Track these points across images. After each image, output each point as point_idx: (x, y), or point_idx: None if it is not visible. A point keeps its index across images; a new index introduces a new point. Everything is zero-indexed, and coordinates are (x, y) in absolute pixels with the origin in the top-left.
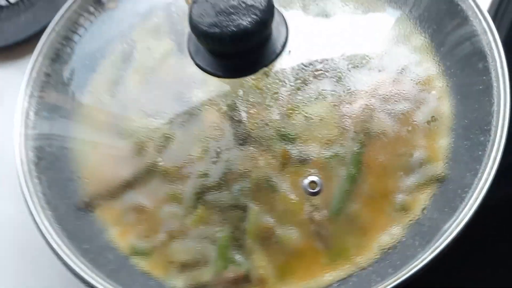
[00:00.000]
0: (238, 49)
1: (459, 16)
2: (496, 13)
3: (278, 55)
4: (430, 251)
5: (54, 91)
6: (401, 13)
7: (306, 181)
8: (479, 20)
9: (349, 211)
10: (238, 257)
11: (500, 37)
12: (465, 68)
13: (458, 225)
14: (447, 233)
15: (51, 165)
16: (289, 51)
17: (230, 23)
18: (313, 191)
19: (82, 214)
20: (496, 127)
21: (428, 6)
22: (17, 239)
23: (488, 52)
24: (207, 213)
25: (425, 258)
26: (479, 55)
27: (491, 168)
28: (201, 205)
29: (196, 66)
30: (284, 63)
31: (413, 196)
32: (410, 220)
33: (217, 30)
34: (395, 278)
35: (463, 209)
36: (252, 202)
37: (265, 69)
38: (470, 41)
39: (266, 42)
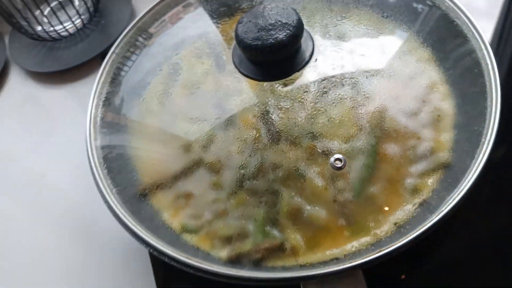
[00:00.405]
0: (275, 58)
1: (460, 35)
2: (498, 46)
3: (307, 62)
4: (436, 214)
5: (115, 103)
6: (410, 32)
7: (332, 159)
8: (474, 35)
9: (368, 194)
10: (273, 231)
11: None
12: (464, 74)
13: (459, 194)
14: (450, 201)
15: (116, 161)
16: (316, 59)
17: (270, 37)
18: (338, 166)
19: (141, 199)
20: (490, 118)
21: (433, 26)
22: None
23: (481, 58)
24: (246, 197)
25: (432, 220)
26: (476, 64)
27: (487, 148)
28: (241, 191)
29: (237, 76)
30: (310, 72)
31: (423, 180)
32: (421, 199)
33: (259, 43)
34: (406, 236)
35: (464, 181)
36: (284, 188)
37: (297, 74)
38: (470, 56)
39: (297, 52)
